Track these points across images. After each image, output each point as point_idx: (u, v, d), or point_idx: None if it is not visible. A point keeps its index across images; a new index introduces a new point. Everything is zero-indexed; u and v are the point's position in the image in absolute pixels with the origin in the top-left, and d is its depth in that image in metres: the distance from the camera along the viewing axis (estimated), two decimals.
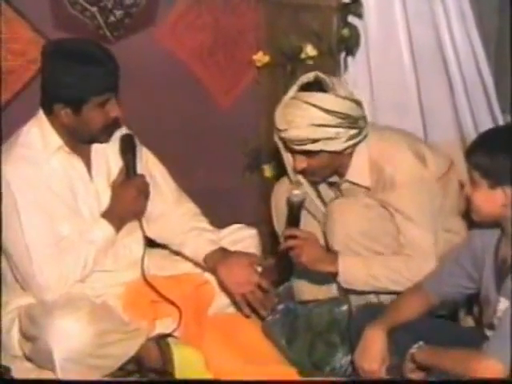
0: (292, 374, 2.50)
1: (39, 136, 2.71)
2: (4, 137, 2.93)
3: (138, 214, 2.79)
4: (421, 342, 2.36)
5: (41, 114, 2.73)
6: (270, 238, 3.37)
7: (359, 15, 3.34)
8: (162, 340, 2.71)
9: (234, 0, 3.53)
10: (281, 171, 3.60)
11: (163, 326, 2.76)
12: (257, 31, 3.55)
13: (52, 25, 3.24)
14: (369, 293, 2.76)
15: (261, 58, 3.57)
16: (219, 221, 3.42)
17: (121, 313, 2.75)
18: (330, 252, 2.76)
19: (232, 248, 2.84)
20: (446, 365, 2.27)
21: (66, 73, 2.60)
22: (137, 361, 2.68)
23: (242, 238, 2.93)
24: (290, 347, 2.67)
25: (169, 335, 2.73)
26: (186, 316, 2.75)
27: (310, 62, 3.43)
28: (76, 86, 2.60)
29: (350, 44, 3.43)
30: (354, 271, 2.70)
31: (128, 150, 2.79)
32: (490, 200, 2.32)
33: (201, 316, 2.79)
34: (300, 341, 2.69)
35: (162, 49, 3.51)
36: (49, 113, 2.70)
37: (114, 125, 2.75)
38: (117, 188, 2.77)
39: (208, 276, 2.86)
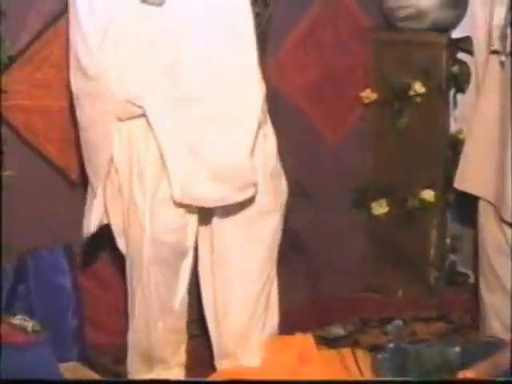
0: None
1: None
2: None
3: None
4: None
5: None
6: (374, 277, 3.34)
7: (469, 52, 3.32)
8: None
9: (342, 37, 3.55)
10: (389, 209, 3.58)
11: None
12: (365, 68, 3.55)
13: None
14: None
15: (368, 95, 3.56)
16: (325, 256, 3.43)
17: None
18: None
19: None
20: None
21: None
22: None
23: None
24: None
25: None
26: None
27: (419, 100, 3.42)
28: None
29: (460, 81, 3.41)
30: None
31: None
32: None
33: None
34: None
35: (271, 85, 3.53)
36: None
37: None
38: None
39: None
